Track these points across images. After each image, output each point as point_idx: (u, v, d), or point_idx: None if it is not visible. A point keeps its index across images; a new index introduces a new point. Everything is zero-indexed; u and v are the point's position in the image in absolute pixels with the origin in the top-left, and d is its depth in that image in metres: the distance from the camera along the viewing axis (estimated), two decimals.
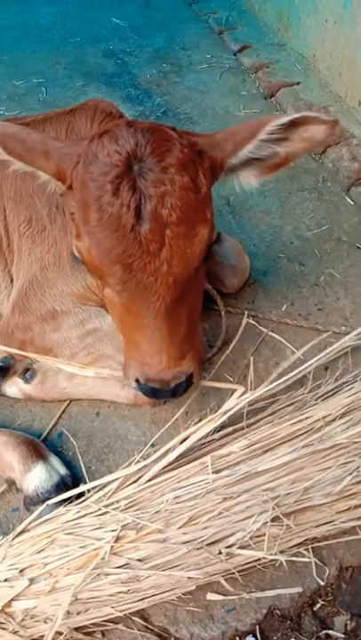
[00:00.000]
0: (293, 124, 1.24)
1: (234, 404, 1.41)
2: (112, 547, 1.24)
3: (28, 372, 1.76)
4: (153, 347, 1.29)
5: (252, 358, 1.80)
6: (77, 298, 1.69)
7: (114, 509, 1.28)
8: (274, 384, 1.54)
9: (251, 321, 2.03)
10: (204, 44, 4.10)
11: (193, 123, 3.27)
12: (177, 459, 1.40)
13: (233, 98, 3.48)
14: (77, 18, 4.64)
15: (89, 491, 1.41)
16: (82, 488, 1.41)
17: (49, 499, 1.43)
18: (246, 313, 1.98)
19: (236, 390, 1.45)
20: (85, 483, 1.48)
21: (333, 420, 1.45)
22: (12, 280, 1.80)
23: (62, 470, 1.55)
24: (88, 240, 1.22)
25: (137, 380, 1.38)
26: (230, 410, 1.42)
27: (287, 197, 2.66)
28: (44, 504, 1.37)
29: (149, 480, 1.34)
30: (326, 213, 2.54)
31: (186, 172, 1.19)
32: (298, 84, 3.38)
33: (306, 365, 1.63)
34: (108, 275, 1.24)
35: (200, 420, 1.71)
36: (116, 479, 1.36)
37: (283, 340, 1.96)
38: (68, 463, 1.63)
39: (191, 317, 1.37)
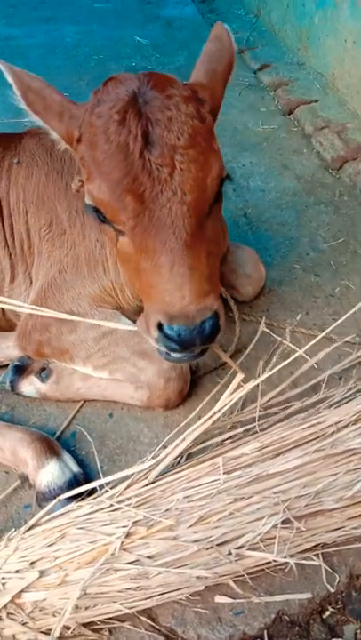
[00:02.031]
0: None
1: (234, 389, 1.41)
2: (122, 542, 1.25)
3: (44, 372, 1.79)
4: (174, 283, 1.21)
5: (261, 362, 1.80)
6: (94, 300, 1.73)
7: (126, 505, 1.29)
8: (283, 385, 1.54)
9: (265, 329, 2.05)
10: None
11: None
12: (188, 458, 1.40)
13: (252, 114, 3.54)
14: (101, 36, 4.78)
15: (101, 487, 1.42)
16: (94, 484, 1.42)
17: (61, 495, 1.45)
18: (264, 318, 1.99)
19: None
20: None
21: (346, 426, 1.45)
22: (31, 282, 1.84)
23: (75, 468, 1.57)
24: (98, 176, 1.22)
25: (159, 327, 1.27)
26: (234, 395, 1.41)
27: (304, 210, 2.68)
28: (56, 499, 1.39)
29: (160, 475, 1.34)
30: (342, 226, 2.56)
31: (189, 102, 1.24)
32: (316, 101, 3.43)
33: (322, 376, 1.64)
34: (121, 210, 1.22)
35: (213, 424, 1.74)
36: (128, 475, 1.37)
37: (297, 349, 1.96)
38: (80, 462, 1.65)
39: (211, 260, 1.31)
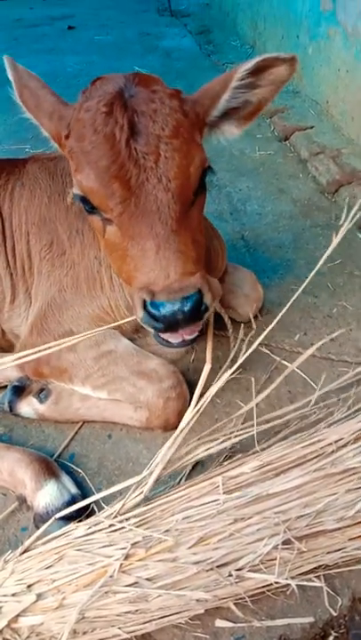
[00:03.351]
0: (259, 71, 1.35)
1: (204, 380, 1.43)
2: (121, 564, 1.23)
3: (42, 392, 1.79)
4: (159, 265, 1.25)
5: (253, 379, 1.80)
6: (93, 319, 1.74)
7: (124, 525, 1.27)
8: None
9: (264, 349, 2.06)
10: None
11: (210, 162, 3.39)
12: (187, 478, 1.39)
13: (248, 140, 3.62)
14: (101, 66, 4.92)
15: (100, 509, 1.41)
16: (89, 500, 1.40)
17: (61, 518, 1.43)
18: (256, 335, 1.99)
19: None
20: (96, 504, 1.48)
21: (346, 445, 1.44)
22: (31, 302, 1.85)
23: (73, 489, 1.56)
24: (87, 165, 1.27)
25: (144, 306, 1.29)
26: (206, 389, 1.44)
27: (300, 233, 2.72)
28: (52, 518, 1.37)
29: (159, 494, 1.33)
30: (339, 249, 2.56)
31: (172, 98, 1.30)
32: (312, 127, 3.52)
33: (316, 394, 1.65)
34: (108, 197, 1.25)
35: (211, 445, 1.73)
36: (125, 489, 1.35)
37: (295, 369, 1.97)
38: (79, 484, 1.63)
39: (196, 246, 1.33)
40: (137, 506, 1.35)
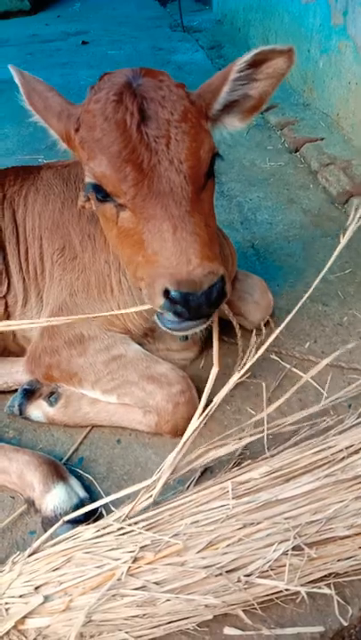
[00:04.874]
0: (258, 64, 1.38)
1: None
2: (129, 568, 1.22)
3: (52, 396, 1.79)
4: (178, 246, 1.23)
5: (263, 385, 1.79)
6: (103, 323, 1.75)
7: (133, 529, 1.26)
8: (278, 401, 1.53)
9: (274, 357, 2.05)
10: None
11: (220, 173, 3.42)
12: (197, 483, 1.38)
13: (259, 151, 3.65)
14: None
15: (106, 511, 1.40)
16: (97, 503, 1.40)
17: (69, 521, 1.42)
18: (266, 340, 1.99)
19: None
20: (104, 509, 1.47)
21: (357, 452, 1.43)
22: (43, 306, 1.86)
23: (82, 493, 1.55)
24: (99, 152, 1.29)
25: (165, 294, 1.26)
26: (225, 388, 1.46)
27: (311, 242, 2.72)
28: (60, 520, 1.36)
29: (169, 498, 1.32)
30: (350, 258, 2.59)
31: (179, 87, 1.35)
32: (322, 139, 3.53)
33: (332, 400, 1.64)
34: (121, 180, 1.27)
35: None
36: (134, 492, 1.35)
37: (304, 376, 1.96)
38: (87, 488, 1.63)
39: (210, 231, 1.33)
40: (146, 510, 1.34)
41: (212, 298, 1.25)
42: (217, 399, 1.48)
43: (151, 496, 1.32)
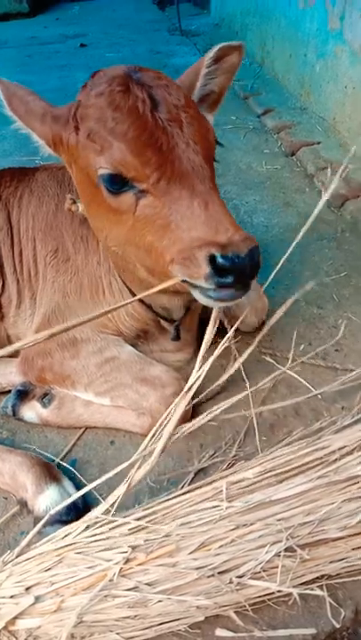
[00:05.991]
0: (217, 60, 1.49)
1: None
2: (121, 568, 1.22)
3: (46, 397, 1.79)
4: (214, 218, 1.24)
5: (247, 383, 1.80)
6: (96, 325, 1.75)
7: (126, 521, 1.26)
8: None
9: (268, 359, 2.06)
10: (230, 107, 4.36)
11: (217, 176, 3.38)
12: (190, 483, 1.38)
13: (256, 155, 3.66)
14: None
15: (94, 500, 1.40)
16: (82, 491, 1.40)
17: (60, 521, 1.42)
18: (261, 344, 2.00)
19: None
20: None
21: (350, 453, 1.43)
22: (36, 308, 1.86)
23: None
24: (115, 140, 1.28)
25: (211, 260, 1.22)
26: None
27: (306, 245, 2.73)
28: (47, 514, 1.36)
29: (164, 498, 1.31)
30: (345, 261, 2.60)
31: (173, 80, 1.39)
32: (318, 143, 3.55)
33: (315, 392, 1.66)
34: (143, 164, 1.26)
35: (215, 453, 1.73)
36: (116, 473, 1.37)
37: (299, 379, 1.97)
38: (80, 490, 1.62)
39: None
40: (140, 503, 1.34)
41: (255, 261, 1.24)
42: (205, 393, 1.48)
43: (129, 481, 1.32)
